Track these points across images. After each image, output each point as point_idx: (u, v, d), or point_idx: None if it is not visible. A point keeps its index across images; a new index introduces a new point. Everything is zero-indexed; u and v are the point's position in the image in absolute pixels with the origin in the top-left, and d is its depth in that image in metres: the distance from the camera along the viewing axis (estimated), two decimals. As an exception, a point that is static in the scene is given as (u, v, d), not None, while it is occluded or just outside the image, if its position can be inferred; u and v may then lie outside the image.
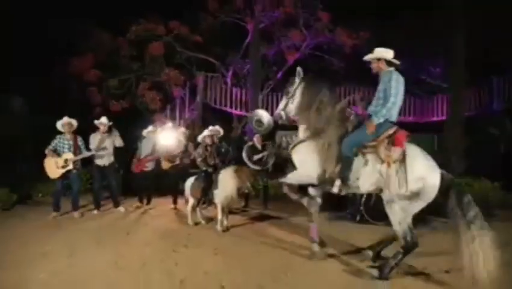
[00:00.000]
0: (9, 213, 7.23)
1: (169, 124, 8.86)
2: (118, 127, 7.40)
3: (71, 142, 6.77)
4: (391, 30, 11.75)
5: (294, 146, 4.38)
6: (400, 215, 3.69)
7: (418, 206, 3.71)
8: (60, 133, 6.81)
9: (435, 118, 13.23)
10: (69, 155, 6.67)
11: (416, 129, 11.96)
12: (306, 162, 4.17)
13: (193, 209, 6.31)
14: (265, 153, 7.77)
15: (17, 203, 7.85)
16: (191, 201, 6.27)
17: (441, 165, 3.84)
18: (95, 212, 7.07)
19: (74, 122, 6.89)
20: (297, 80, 4.30)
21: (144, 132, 8.10)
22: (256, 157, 7.67)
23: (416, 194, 3.63)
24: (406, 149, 3.74)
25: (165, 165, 7.86)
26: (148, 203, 7.81)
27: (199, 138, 6.62)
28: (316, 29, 12.72)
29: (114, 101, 10.85)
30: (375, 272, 3.81)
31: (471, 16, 10.24)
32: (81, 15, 10.56)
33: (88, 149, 6.95)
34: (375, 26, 12.02)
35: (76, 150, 6.75)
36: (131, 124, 9.37)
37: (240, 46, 12.99)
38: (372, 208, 6.43)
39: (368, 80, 12.49)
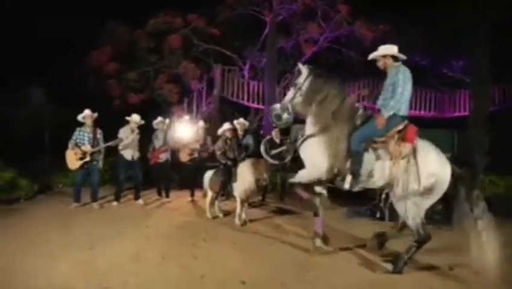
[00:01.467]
0: (31, 202, 7.37)
1: (186, 117, 8.86)
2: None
3: (91, 135, 6.86)
4: (412, 23, 11.42)
5: (302, 141, 4.27)
6: (413, 211, 3.69)
7: (430, 200, 3.73)
8: (80, 125, 6.89)
9: (457, 114, 12.88)
10: (87, 147, 6.75)
11: (436, 124, 11.80)
12: (316, 158, 4.10)
13: (212, 202, 6.31)
14: (283, 147, 7.66)
15: (38, 193, 8.00)
16: (210, 194, 6.26)
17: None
18: (115, 203, 7.15)
19: (95, 115, 6.97)
20: (305, 72, 4.21)
21: (154, 124, 8.08)
22: (274, 151, 7.57)
23: (429, 189, 3.65)
24: (416, 145, 3.75)
25: (183, 157, 7.86)
26: (167, 196, 7.83)
27: (219, 131, 6.59)
28: (335, 21, 12.46)
29: (133, 94, 10.90)
30: (389, 266, 3.80)
31: (499, 8, 9.85)
32: (99, 9, 10.65)
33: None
34: (395, 19, 11.68)
35: (94, 143, 6.83)
36: (149, 116, 9.42)
37: (258, 38, 12.86)
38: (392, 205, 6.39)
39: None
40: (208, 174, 6.36)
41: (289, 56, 13.56)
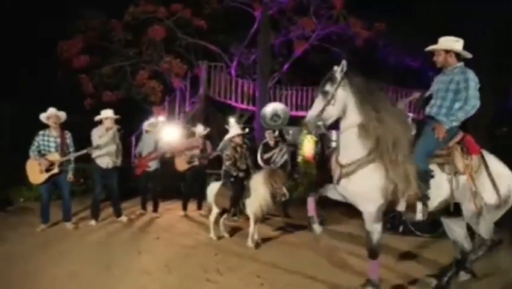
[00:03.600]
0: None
1: (172, 118, 7.75)
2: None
3: (58, 139, 5.56)
4: (409, 22, 10.96)
5: (349, 172, 3.21)
6: (489, 226, 3.28)
7: (501, 213, 3.34)
8: (44, 127, 5.60)
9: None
10: (55, 156, 5.46)
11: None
12: (372, 190, 3.17)
13: (217, 220, 5.30)
14: (276, 150, 6.77)
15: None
16: (215, 211, 5.24)
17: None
18: (93, 222, 5.89)
19: (62, 115, 5.67)
20: (338, 76, 3.20)
21: (145, 125, 6.99)
22: (266, 155, 6.68)
23: (505, 201, 3.27)
24: (484, 155, 3.31)
25: (181, 166, 6.78)
26: (155, 210, 6.70)
27: (227, 137, 5.56)
28: (328, 18, 11.75)
29: (108, 91, 9.57)
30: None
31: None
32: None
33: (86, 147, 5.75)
34: (392, 18, 11.17)
35: (63, 149, 5.55)
36: (126, 117, 8.22)
37: (245, 34, 11.90)
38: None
39: (379, 75, 11.92)
40: (214, 187, 5.33)
41: (277, 54, 12.75)
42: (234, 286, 3.66)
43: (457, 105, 3.25)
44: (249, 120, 11.67)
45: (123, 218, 6.18)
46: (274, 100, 11.52)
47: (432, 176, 3.22)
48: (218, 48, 11.62)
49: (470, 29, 9.71)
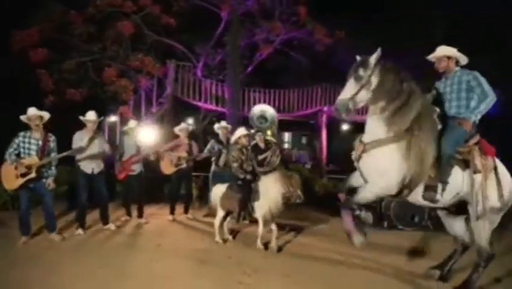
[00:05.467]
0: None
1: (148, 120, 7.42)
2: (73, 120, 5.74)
3: (40, 142, 5.04)
4: (370, 29, 11.72)
5: (367, 149, 3.41)
6: (488, 230, 3.50)
7: (500, 217, 3.55)
8: (24, 129, 5.04)
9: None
10: (33, 159, 4.94)
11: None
12: (389, 169, 3.33)
13: (222, 223, 5.22)
14: (269, 152, 6.88)
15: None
16: (221, 214, 5.16)
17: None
18: (80, 231, 5.43)
19: (46, 115, 5.15)
20: (372, 62, 3.34)
21: (126, 128, 6.63)
22: (260, 157, 6.75)
23: (506, 205, 3.48)
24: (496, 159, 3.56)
25: (167, 169, 6.51)
26: (140, 215, 6.35)
27: (233, 138, 5.47)
28: (292, 23, 12.12)
29: (72, 89, 8.78)
30: None
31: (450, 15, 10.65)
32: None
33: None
34: (353, 25, 11.86)
35: (44, 153, 5.04)
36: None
37: (210, 34, 11.77)
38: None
39: (333, 80, 12.55)
40: (219, 190, 5.23)
41: (241, 57, 12.77)
42: (268, 286, 3.68)
43: (473, 102, 3.52)
44: (214, 121, 11.57)
45: (111, 226, 5.77)
46: (243, 102, 11.60)
47: (453, 164, 3.40)
48: (184, 47, 11.32)
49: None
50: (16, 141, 4.93)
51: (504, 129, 9.25)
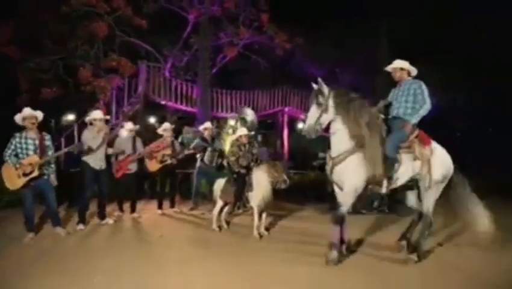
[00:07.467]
0: None
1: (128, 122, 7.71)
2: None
3: (36, 141, 5.29)
4: (326, 36, 12.89)
5: (338, 161, 4.22)
6: (434, 198, 4.40)
7: (442, 187, 4.45)
8: (19, 129, 5.26)
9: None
10: (34, 158, 5.22)
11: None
12: (359, 174, 4.19)
13: (219, 213, 5.88)
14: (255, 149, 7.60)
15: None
16: (220, 204, 5.81)
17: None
18: (81, 226, 5.74)
19: (40, 114, 5.39)
20: (325, 90, 4.21)
21: (123, 130, 6.96)
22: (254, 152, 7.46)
23: (445, 178, 4.41)
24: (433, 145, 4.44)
25: (153, 166, 6.95)
26: (133, 211, 6.76)
27: (234, 136, 6.13)
28: (255, 28, 12.91)
29: (47, 88, 8.71)
30: (414, 257, 4.28)
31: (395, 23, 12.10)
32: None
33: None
34: (311, 31, 12.95)
35: (42, 152, 5.32)
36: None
37: (177, 36, 12.15)
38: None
39: (290, 82, 13.56)
40: (219, 183, 5.88)
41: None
42: (305, 273, 3.95)
43: (417, 106, 4.31)
44: (184, 121, 11.92)
45: (109, 221, 6.15)
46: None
47: (399, 162, 4.23)
48: (153, 48, 11.59)
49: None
50: (13, 142, 5.13)
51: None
